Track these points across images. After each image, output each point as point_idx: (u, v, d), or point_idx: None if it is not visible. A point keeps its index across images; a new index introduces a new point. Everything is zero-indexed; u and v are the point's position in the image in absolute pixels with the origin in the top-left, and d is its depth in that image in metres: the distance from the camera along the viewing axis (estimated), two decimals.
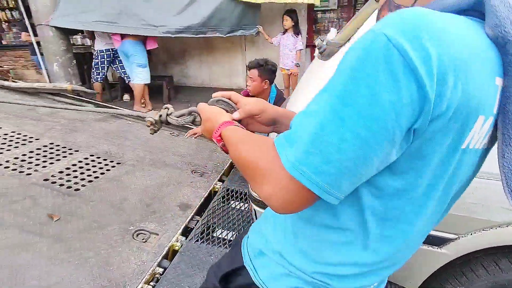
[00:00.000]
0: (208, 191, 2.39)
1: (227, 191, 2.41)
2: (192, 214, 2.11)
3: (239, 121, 0.79)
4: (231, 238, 1.96)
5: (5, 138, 2.61)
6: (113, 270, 1.59)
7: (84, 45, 4.92)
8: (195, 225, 2.03)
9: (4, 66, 3.78)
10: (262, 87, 2.41)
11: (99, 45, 4.31)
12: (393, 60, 0.40)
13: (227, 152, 0.70)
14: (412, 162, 0.48)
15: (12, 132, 2.73)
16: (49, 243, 1.68)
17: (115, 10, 3.83)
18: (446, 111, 0.42)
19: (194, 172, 2.64)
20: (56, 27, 3.96)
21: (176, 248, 1.83)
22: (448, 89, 0.41)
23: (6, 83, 3.51)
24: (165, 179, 2.47)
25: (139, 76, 4.30)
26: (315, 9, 5.18)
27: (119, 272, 1.59)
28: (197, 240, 1.89)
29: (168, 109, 0.95)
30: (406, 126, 0.43)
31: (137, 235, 1.85)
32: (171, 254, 1.81)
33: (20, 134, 2.72)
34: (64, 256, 1.62)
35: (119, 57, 4.46)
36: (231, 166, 2.85)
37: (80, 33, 4.99)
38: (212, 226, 2.04)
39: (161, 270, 1.66)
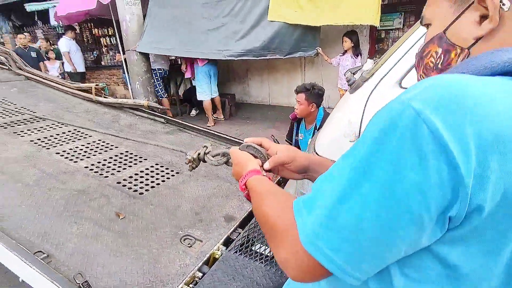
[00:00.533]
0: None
1: None
2: (235, 226, 2.25)
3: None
4: (268, 254, 2.03)
5: (93, 145, 3.15)
6: (160, 268, 1.81)
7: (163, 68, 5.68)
8: (237, 237, 2.16)
9: (100, 84, 4.59)
10: (309, 110, 2.49)
11: (155, 65, 5.07)
12: (422, 136, 0.36)
13: (250, 201, 0.70)
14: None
15: (99, 140, 3.29)
16: (114, 237, 1.99)
17: (188, 38, 4.36)
18: (493, 198, 0.36)
19: None
20: (140, 52, 4.67)
21: (216, 256, 1.98)
22: (492, 172, 0.35)
23: (99, 98, 4.24)
24: (215, 190, 2.67)
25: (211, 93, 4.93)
26: (378, 29, 5.06)
27: (165, 271, 1.80)
28: (236, 251, 2.02)
29: (207, 147, 1.03)
30: (437, 211, 0.37)
31: (184, 240, 2.06)
32: (211, 261, 1.96)
33: (104, 142, 3.26)
34: (123, 250, 1.90)
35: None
36: (279, 183, 2.94)
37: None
38: (252, 240, 2.14)
39: (200, 274, 1.82)
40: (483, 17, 0.48)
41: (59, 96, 4.43)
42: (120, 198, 2.39)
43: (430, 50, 0.57)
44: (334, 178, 0.45)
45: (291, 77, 5.41)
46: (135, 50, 4.56)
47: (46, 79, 4.81)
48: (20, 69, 5.09)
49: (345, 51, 4.14)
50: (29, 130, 3.27)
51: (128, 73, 5.10)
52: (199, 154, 1.03)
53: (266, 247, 2.10)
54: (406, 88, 0.93)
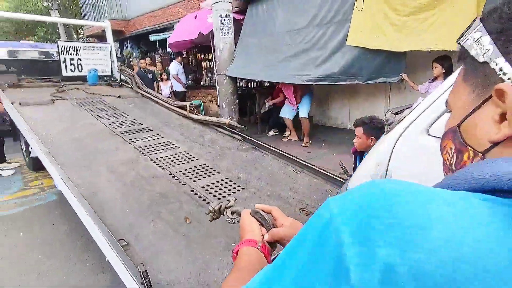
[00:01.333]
0: None
1: None
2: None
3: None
4: None
5: (179, 155, 3.68)
6: (210, 274, 2.00)
7: (247, 87, 6.19)
8: None
9: (194, 102, 5.36)
10: (368, 144, 2.39)
11: None
12: (327, 246, 0.32)
13: None
14: None
15: (185, 151, 3.81)
16: (179, 239, 2.30)
17: (271, 63, 4.69)
18: None
19: (302, 210, 2.83)
20: (229, 76, 5.25)
21: None
22: None
23: (191, 115, 4.90)
24: None
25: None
26: None
27: (214, 276, 1.98)
28: None
29: (229, 201, 1.06)
30: None
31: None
32: None
33: (188, 153, 3.76)
34: (183, 251, 2.18)
35: None
36: None
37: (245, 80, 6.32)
38: None
39: None
40: (505, 115, 0.38)
41: (162, 111, 5.31)
42: (190, 205, 2.73)
43: (446, 144, 0.49)
44: (268, 267, 0.45)
45: (374, 102, 5.14)
46: (225, 74, 5.16)
47: (155, 97, 5.82)
48: (139, 88, 6.30)
49: (435, 78, 3.75)
50: (135, 138, 4.04)
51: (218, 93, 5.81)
52: (220, 206, 1.06)
53: None
54: (433, 136, 0.90)
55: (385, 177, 1.04)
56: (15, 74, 6.01)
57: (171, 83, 8.29)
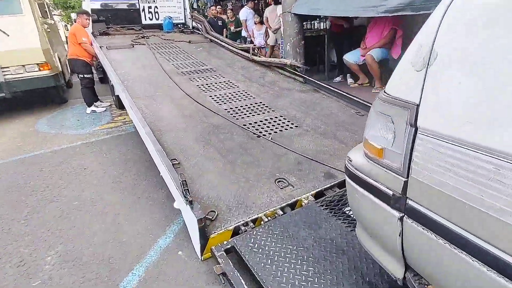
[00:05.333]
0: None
1: None
2: (333, 183, 2.18)
3: None
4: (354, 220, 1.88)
5: (237, 94, 3.69)
6: (250, 197, 2.03)
7: (318, 29, 5.64)
8: (330, 194, 2.10)
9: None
10: None
11: None
12: None
13: None
14: None
15: (243, 90, 3.80)
16: (225, 164, 2.36)
17: None
18: None
19: None
20: (294, 14, 4.85)
21: (303, 203, 2.02)
22: None
23: (254, 57, 4.79)
24: (326, 148, 2.62)
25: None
26: None
27: (253, 200, 2.01)
28: (322, 205, 1.98)
29: None
30: None
31: (278, 182, 2.19)
32: (297, 206, 2.02)
33: (246, 92, 3.74)
34: (228, 174, 2.24)
35: None
36: None
37: (317, 19, 5.75)
38: (345, 201, 2.02)
39: (281, 213, 1.92)
40: None
41: (227, 54, 5.32)
42: (241, 137, 2.75)
43: None
44: None
45: None
46: (290, 12, 4.77)
47: (222, 41, 5.84)
48: (208, 33, 6.39)
49: None
50: (199, 78, 4.17)
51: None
52: None
53: None
54: None
55: (429, 59, 0.80)
56: (104, 23, 6.71)
57: (266, 31, 7.01)
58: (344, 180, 2.30)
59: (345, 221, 1.85)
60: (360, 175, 1.09)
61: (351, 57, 4.76)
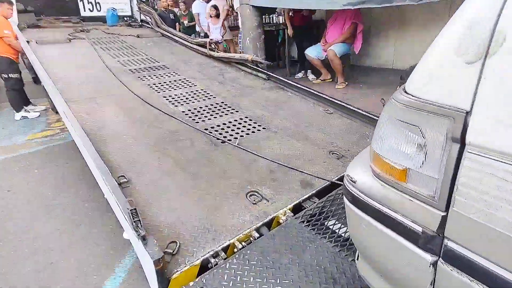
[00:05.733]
0: (339, 176, 2.10)
1: None
2: (311, 193, 1.93)
3: None
4: (342, 235, 1.65)
5: (195, 93, 3.30)
6: (218, 217, 1.70)
7: (277, 23, 5.42)
8: (309, 206, 1.85)
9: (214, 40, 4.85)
10: None
11: None
12: None
13: None
14: None
15: (202, 89, 3.42)
16: (186, 177, 2.00)
17: None
18: None
19: (332, 153, 2.39)
20: (253, 6, 4.55)
21: (280, 220, 1.74)
22: None
23: (212, 52, 4.41)
24: (298, 152, 2.37)
25: None
26: None
27: (222, 221, 1.68)
28: (304, 221, 1.71)
29: None
30: None
31: (250, 196, 1.89)
32: (273, 224, 1.74)
33: (205, 91, 3.37)
34: (190, 191, 1.88)
35: None
36: None
37: (276, 12, 5.54)
38: (327, 214, 1.79)
39: (257, 235, 1.62)
40: None
41: (181, 50, 4.86)
42: (203, 143, 2.40)
43: None
44: None
45: (427, 35, 4.20)
46: (249, 4, 4.48)
47: (175, 36, 5.35)
48: (159, 27, 5.83)
49: None
50: (150, 76, 3.69)
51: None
52: None
53: (342, 227, 1.71)
54: None
55: (488, 46, 0.54)
56: (34, 14, 5.80)
57: (222, 25, 6.39)
58: (324, 188, 2.09)
59: (331, 239, 1.60)
60: (370, 202, 0.83)
61: (313, 52, 4.60)
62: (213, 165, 2.15)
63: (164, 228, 1.58)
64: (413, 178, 0.72)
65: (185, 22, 7.44)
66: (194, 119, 2.75)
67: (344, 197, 0.97)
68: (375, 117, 2.88)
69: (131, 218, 1.38)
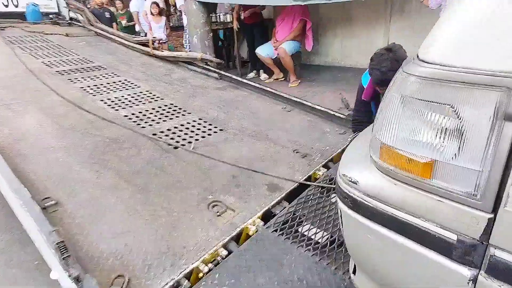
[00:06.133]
0: (307, 176, 1.95)
1: (330, 181, 1.91)
2: (280, 198, 1.74)
3: None
4: (319, 241, 1.48)
5: (139, 95, 2.92)
6: (176, 237, 1.42)
7: (225, 21, 5.18)
8: (280, 212, 1.66)
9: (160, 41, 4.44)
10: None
11: None
12: None
13: None
14: None
15: (147, 91, 3.05)
16: (132, 192, 1.67)
17: None
18: None
19: (296, 152, 2.25)
20: (199, 1, 4.28)
21: (250, 232, 1.51)
22: None
23: (156, 52, 4.03)
24: (262, 153, 2.18)
25: None
26: None
27: (182, 241, 1.40)
28: (276, 230, 1.51)
29: None
30: None
31: (213, 207, 1.63)
32: (242, 237, 1.51)
33: (151, 93, 3.01)
34: (139, 208, 1.56)
35: None
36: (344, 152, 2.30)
37: (223, 10, 5.32)
38: (300, 219, 1.61)
39: (225, 253, 1.38)
40: None
41: (121, 50, 4.38)
42: (151, 151, 2.07)
43: None
44: None
45: (372, 29, 4.37)
46: (195, 0, 4.18)
47: (112, 34, 4.82)
48: (92, 25, 5.22)
49: None
50: (82, 78, 3.20)
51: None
52: None
53: (318, 231, 1.55)
54: None
55: None
56: None
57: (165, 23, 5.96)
58: (294, 190, 1.92)
59: (308, 247, 1.43)
60: (380, 207, 0.65)
61: (264, 51, 4.48)
62: (165, 174, 1.84)
63: (107, 259, 1.25)
64: (442, 172, 0.55)
65: (123, 22, 6.81)
66: (139, 124, 2.39)
67: (340, 203, 0.78)
68: (334, 113, 2.83)
69: (59, 253, 1.04)
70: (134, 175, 1.81)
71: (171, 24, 7.50)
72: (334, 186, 1.91)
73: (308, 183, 1.89)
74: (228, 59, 6.05)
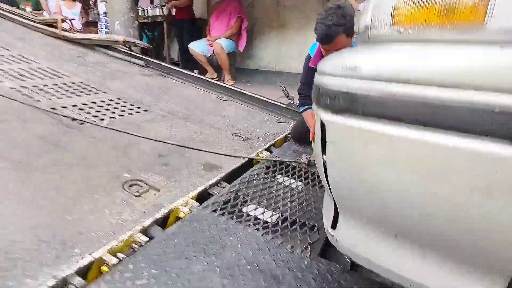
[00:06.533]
0: (250, 157, 1.68)
1: (274, 162, 1.68)
2: (218, 177, 1.43)
3: None
4: (269, 220, 1.21)
5: (36, 71, 2.31)
6: (69, 222, 0.98)
7: (154, 15, 4.76)
8: (219, 192, 1.34)
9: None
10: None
11: None
12: None
13: None
14: None
15: (48, 68, 2.44)
16: (10, 170, 1.16)
17: None
18: None
19: (236, 136, 1.98)
20: None
21: (181, 214, 1.16)
22: None
23: (66, 33, 3.39)
24: (196, 134, 1.85)
25: None
26: None
27: (77, 227, 0.97)
28: (216, 210, 1.19)
29: None
30: None
31: (130, 186, 1.23)
32: (170, 221, 1.14)
33: (55, 70, 2.41)
34: (20, 191, 1.07)
35: None
36: (286, 139, 2.12)
37: (152, 4, 4.91)
38: (244, 198, 1.32)
39: (144, 239, 0.99)
40: None
41: (18, 30, 3.58)
42: (46, 125, 1.55)
43: None
44: None
45: (305, 35, 4.51)
46: None
47: (9, 12, 3.96)
48: None
49: None
50: None
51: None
52: None
53: (266, 210, 1.27)
54: None
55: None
56: None
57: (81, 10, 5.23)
58: (235, 171, 1.62)
59: (256, 227, 1.14)
60: (396, 90, 0.41)
61: (198, 47, 4.19)
62: (62, 151, 1.37)
63: None
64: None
65: (28, 9, 5.79)
66: (32, 97, 1.83)
67: (324, 115, 0.53)
68: (273, 102, 2.68)
69: None
70: (13, 149, 1.29)
71: (90, 19, 6.67)
72: (288, 161, 1.70)
73: (257, 157, 1.64)
74: (157, 57, 5.58)
